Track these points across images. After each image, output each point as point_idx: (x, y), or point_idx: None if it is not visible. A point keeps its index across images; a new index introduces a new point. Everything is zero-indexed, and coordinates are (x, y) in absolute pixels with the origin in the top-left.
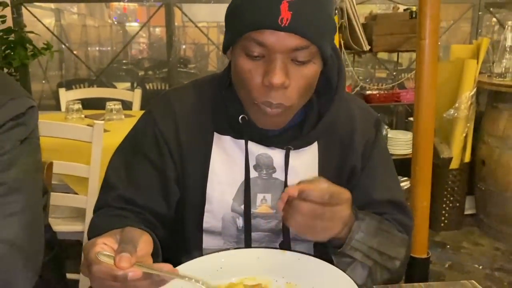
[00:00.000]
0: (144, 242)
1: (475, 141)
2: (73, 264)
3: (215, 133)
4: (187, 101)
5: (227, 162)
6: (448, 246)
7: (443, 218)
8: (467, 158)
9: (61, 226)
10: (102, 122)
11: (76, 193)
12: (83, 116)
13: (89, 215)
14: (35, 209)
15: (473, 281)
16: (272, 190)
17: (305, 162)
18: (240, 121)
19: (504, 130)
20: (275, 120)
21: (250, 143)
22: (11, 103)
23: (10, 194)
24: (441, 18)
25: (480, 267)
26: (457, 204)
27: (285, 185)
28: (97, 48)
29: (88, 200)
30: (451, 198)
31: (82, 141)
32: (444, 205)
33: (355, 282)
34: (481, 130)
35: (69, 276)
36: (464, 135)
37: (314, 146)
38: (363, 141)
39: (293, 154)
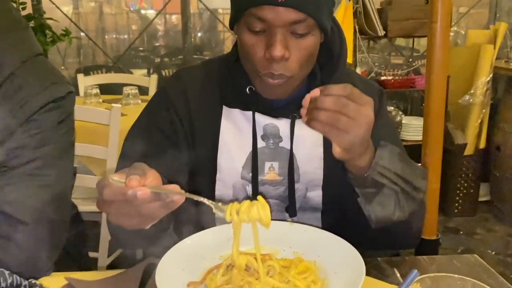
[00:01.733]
0: (153, 174)
1: (490, 127)
2: (91, 243)
3: (223, 106)
4: (197, 77)
5: (236, 133)
6: (461, 232)
7: (456, 204)
8: (482, 145)
9: (79, 206)
10: (120, 105)
11: (94, 174)
12: (101, 100)
13: None
14: (65, 184)
15: (475, 255)
16: (279, 158)
17: (310, 131)
18: (248, 91)
19: None
20: (278, 90)
21: (257, 114)
22: (52, 87)
23: (44, 168)
24: (459, 4)
25: (493, 253)
26: (471, 191)
27: (291, 153)
28: (114, 36)
29: None
30: (465, 184)
31: (100, 124)
32: (458, 191)
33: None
34: (497, 117)
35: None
36: (479, 121)
37: None
38: None
39: (298, 123)
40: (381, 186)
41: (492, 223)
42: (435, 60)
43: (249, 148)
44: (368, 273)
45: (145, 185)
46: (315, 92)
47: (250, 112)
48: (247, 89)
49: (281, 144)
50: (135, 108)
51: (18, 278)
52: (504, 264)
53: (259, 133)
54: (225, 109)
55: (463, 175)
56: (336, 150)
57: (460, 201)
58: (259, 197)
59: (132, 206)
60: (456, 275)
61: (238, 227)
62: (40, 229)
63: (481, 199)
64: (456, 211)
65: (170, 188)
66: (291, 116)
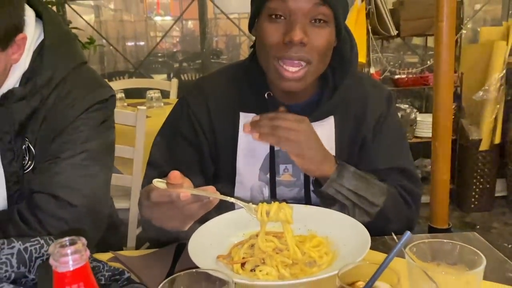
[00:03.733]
0: (187, 180)
1: (505, 123)
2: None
3: (241, 112)
4: (217, 86)
5: (252, 138)
6: (478, 227)
7: (473, 199)
8: (497, 140)
9: None
10: (145, 107)
11: (121, 173)
12: (125, 104)
13: (134, 193)
14: (106, 177)
15: (475, 232)
16: (293, 161)
17: (323, 135)
18: (266, 97)
19: None
20: (295, 83)
21: None
22: (97, 91)
23: (89, 160)
24: (474, 2)
25: (510, 246)
26: (487, 186)
27: None
28: (133, 43)
29: (133, 179)
30: (481, 180)
31: (126, 125)
32: (474, 187)
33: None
34: (511, 112)
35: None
36: (494, 116)
37: (331, 120)
38: (375, 115)
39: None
40: (335, 199)
41: (509, 217)
42: (442, 57)
43: (265, 151)
44: (375, 248)
45: (184, 188)
46: (255, 117)
47: None
48: (266, 95)
49: None
50: (158, 110)
51: None
52: None
53: None
54: (242, 115)
55: (479, 170)
56: (292, 158)
57: (477, 196)
58: (284, 203)
59: (176, 208)
60: (445, 240)
61: (265, 224)
62: (86, 211)
63: (497, 194)
64: (472, 206)
65: (207, 190)
66: None
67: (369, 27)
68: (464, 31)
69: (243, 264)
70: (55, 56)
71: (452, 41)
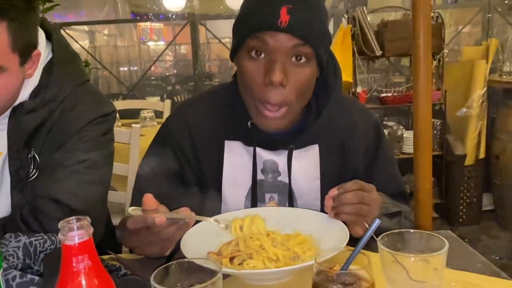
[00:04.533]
0: (162, 206)
1: (489, 138)
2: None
3: (225, 141)
4: (199, 112)
5: (237, 166)
6: (466, 240)
7: (461, 213)
8: (481, 155)
9: None
10: (139, 126)
11: (115, 190)
12: (119, 124)
13: (128, 209)
14: (106, 185)
15: (449, 231)
16: (278, 190)
17: (307, 164)
18: (249, 125)
19: None
20: (276, 122)
21: (257, 149)
22: (99, 106)
23: (90, 168)
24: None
25: (497, 258)
26: (474, 200)
27: (290, 188)
28: (126, 68)
29: (127, 196)
30: (468, 194)
31: (120, 143)
32: (461, 201)
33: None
34: (494, 127)
35: None
36: (477, 132)
37: (316, 149)
38: (365, 142)
39: (296, 157)
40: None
41: (496, 230)
42: (420, 71)
43: (250, 180)
44: (354, 244)
45: (160, 213)
46: (333, 192)
47: (251, 147)
48: (249, 124)
49: (279, 178)
50: (151, 129)
51: None
52: (508, 268)
53: (259, 167)
54: (227, 143)
55: (465, 185)
56: (358, 232)
57: (464, 210)
58: (257, 215)
59: (154, 234)
60: (413, 230)
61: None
62: (86, 215)
63: (484, 208)
64: (460, 220)
65: (181, 212)
66: (289, 148)
67: (355, 48)
68: (446, 51)
69: (231, 259)
70: (62, 73)
71: (428, 57)
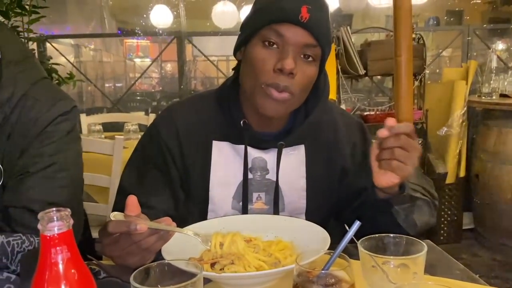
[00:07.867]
0: (145, 216)
1: (469, 157)
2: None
3: (213, 141)
4: (187, 113)
5: (225, 166)
6: None
7: (442, 231)
8: (462, 173)
9: None
10: (122, 137)
11: (96, 202)
12: (103, 136)
13: None
14: (78, 186)
15: (428, 240)
16: (265, 189)
17: (294, 163)
18: (241, 124)
19: (495, 145)
20: (276, 105)
21: (247, 148)
22: (60, 103)
23: (59, 172)
24: (434, 48)
25: (477, 275)
26: (455, 218)
27: (277, 185)
28: (111, 84)
29: (108, 208)
30: (449, 212)
31: (103, 154)
32: (442, 219)
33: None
34: (474, 147)
35: None
36: (457, 151)
37: (302, 149)
38: (349, 142)
39: (284, 155)
40: (415, 199)
41: (477, 248)
42: (401, 88)
43: (238, 180)
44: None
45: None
46: (385, 131)
47: (240, 146)
48: (241, 122)
49: (267, 176)
50: (135, 142)
51: None
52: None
53: (248, 166)
54: (214, 143)
55: (446, 203)
56: (394, 181)
57: (445, 228)
58: (238, 234)
59: (134, 243)
60: (392, 235)
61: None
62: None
63: (465, 227)
64: (442, 238)
65: (163, 222)
66: (279, 145)
67: (339, 67)
68: (427, 71)
69: (213, 265)
70: (14, 73)
71: (410, 73)
